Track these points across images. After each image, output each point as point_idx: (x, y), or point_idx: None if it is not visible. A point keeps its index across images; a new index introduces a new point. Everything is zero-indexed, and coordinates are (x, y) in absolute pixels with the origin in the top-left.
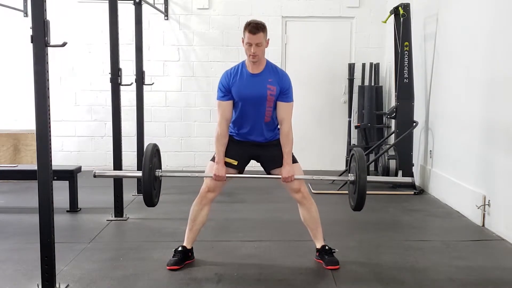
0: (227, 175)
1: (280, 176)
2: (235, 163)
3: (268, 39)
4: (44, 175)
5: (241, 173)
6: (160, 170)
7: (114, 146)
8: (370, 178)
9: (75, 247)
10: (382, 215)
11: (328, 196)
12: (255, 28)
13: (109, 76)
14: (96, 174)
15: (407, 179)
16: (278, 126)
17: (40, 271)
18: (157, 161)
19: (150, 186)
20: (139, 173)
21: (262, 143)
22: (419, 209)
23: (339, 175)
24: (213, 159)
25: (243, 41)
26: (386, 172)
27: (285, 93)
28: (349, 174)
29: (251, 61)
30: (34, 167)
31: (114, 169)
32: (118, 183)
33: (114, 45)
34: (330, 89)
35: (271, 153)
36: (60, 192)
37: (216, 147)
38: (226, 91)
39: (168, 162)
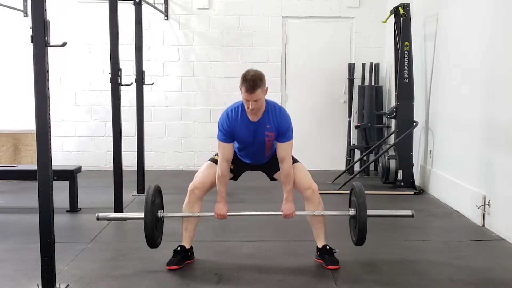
0: (228, 213)
1: (281, 213)
2: (231, 166)
3: (267, 88)
4: (44, 175)
5: (236, 179)
6: (162, 211)
7: (114, 146)
8: (370, 212)
9: (75, 247)
10: None
11: (328, 196)
12: (252, 87)
13: (109, 76)
14: (99, 217)
15: (408, 212)
16: None
17: (40, 271)
18: (159, 202)
19: (152, 228)
20: (142, 214)
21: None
22: (419, 209)
23: (338, 176)
24: (211, 160)
25: (241, 89)
26: (386, 172)
27: (283, 135)
28: (350, 209)
29: (249, 113)
30: (34, 167)
31: (114, 169)
32: (118, 183)
33: (114, 45)
34: (330, 89)
35: (271, 163)
36: (60, 192)
37: (218, 187)
38: (227, 134)
39: (168, 162)
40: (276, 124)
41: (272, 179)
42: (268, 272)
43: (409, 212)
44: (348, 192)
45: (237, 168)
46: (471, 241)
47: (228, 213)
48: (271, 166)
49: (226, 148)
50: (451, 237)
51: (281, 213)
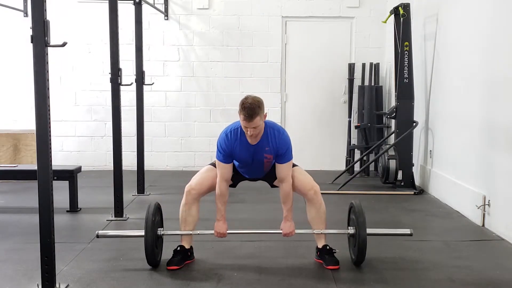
0: (228, 231)
1: (281, 231)
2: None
3: (266, 113)
4: (44, 175)
5: (235, 187)
6: (162, 228)
7: (114, 146)
8: (369, 230)
9: (75, 247)
10: (383, 215)
11: (328, 196)
12: (250, 115)
13: (109, 76)
14: (99, 234)
15: (406, 231)
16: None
17: (40, 271)
18: (159, 220)
19: (153, 246)
20: (142, 232)
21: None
22: (419, 209)
23: (338, 176)
24: (212, 164)
25: (239, 116)
26: (386, 172)
27: (282, 156)
28: (349, 228)
29: (248, 137)
30: (34, 167)
31: (114, 169)
32: (118, 183)
33: (114, 45)
34: (330, 89)
35: (270, 174)
36: (60, 192)
37: (217, 205)
38: (226, 155)
39: (168, 162)
40: (275, 147)
41: (273, 186)
42: (268, 272)
43: (407, 231)
44: (347, 194)
45: (236, 177)
46: (471, 241)
47: (228, 231)
48: (270, 176)
49: (225, 168)
50: (451, 237)
51: (280, 231)
